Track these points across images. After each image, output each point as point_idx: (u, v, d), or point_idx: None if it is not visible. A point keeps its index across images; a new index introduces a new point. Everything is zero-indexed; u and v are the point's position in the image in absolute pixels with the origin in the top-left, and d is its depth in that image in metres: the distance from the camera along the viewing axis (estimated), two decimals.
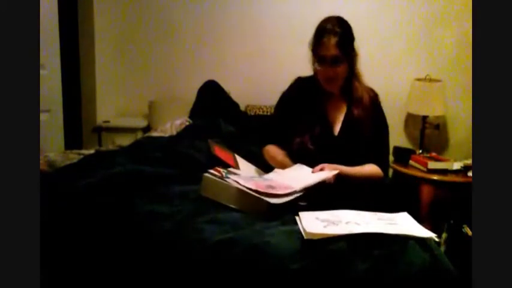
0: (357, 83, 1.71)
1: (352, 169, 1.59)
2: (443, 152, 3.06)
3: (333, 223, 1.23)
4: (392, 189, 2.04)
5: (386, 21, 3.03)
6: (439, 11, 2.96)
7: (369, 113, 1.69)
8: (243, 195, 1.39)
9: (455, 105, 2.98)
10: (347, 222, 1.25)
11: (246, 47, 3.24)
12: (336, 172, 1.51)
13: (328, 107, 1.73)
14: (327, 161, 1.58)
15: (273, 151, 1.75)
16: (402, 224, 1.28)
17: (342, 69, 1.63)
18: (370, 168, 1.65)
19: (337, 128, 1.71)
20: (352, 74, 1.70)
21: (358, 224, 1.23)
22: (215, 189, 1.43)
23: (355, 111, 1.68)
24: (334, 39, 1.58)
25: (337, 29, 1.60)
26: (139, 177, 1.61)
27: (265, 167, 1.74)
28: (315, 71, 1.68)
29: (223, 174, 1.44)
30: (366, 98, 1.70)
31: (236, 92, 3.03)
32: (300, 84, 1.77)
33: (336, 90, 1.71)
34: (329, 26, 1.61)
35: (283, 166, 1.66)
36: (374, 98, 1.75)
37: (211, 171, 1.47)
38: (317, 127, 1.67)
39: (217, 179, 1.43)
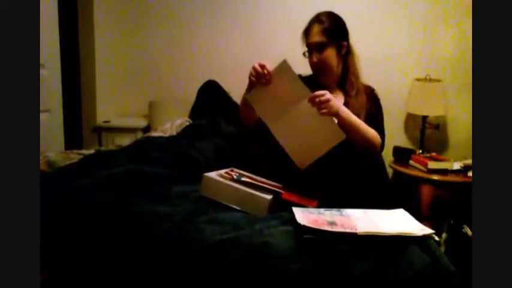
0: (353, 78, 1.74)
1: (354, 116, 1.57)
2: (443, 152, 3.05)
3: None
4: (392, 189, 2.03)
5: (387, 21, 3.03)
6: (439, 11, 2.95)
7: (365, 105, 1.70)
8: (243, 195, 1.39)
9: (455, 105, 2.98)
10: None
11: (246, 47, 3.24)
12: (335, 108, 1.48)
13: None
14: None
15: None
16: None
17: (328, 55, 1.69)
18: (372, 130, 1.62)
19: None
20: (348, 70, 1.74)
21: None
22: (215, 189, 1.43)
23: (351, 106, 1.67)
24: (318, 26, 1.68)
25: (322, 18, 1.70)
26: (139, 177, 1.61)
27: (265, 168, 1.73)
28: (309, 64, 1.74)
29: (235, 177, 1.45)
30: (361, 91, 1.73)
31: (236, 92, 3.03)
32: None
33: (329, 80, 1.73)
34: (315, 17, 1.73)
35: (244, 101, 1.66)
36: (371, 92, 1.79)
37: (222, 173, 1.47)
38: None
39: (219, 179, 1.44)
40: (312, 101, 1.47)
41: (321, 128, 1.50)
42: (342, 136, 1.48)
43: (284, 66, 1.48)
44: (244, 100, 1.69)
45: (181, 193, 1.50)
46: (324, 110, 1.47)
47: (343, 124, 1.52)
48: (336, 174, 1.59)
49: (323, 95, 1.47)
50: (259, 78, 1.53)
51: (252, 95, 1.56)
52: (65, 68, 2.87)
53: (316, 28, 1.69)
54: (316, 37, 1.68)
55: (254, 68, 1.54)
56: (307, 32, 1.72)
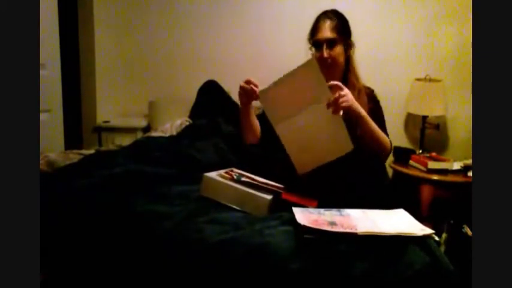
0: (353, 79, 1.74)
1: (366, 115, 1.55)
2: (443, 152, 3.06)
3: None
4: (392, 189, 2.03)
5: (386, 21, 3.03)
6: (439, 11, 2.96)
7: (367, 106, 1.68)
8: (243, 195, 1.39)
9: (455, 105, 2.98)
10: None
11: (246, 47, 3.25)
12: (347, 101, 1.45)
13: None
14: None
15: None
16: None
17: (337, 52, 1.69)
18: (381, 132, 1.62)
19: None
20: (349, 70, 1.74)
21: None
22: (215, 189, 1.43)
23: None
24: (329, 22, 1.70)
25: (331, 15, 1.72)
26: (140, 177, 1.61)
27: (265, 168, 1.73)
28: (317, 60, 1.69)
29: (235, 177, 1.45)
30: (362, 92, 1.72)
31: (236, 92, 3.01)
32: None
33: (333, 78, 1.68)
34: (324, 14, 1.74)
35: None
36: (371, 93, 1.78)
37: (222, 173, 1.47)
38: None
39: (219, 179, 1.44)
40: (334, 101, 1.42)
41: (331, 135, 1.46)
42: (350, 147, 1.45)
43: (311, 64, 1.44)
44: (243, 118, 1.68)
45: (182, 193, 1.50)
46: (344, 104, 1.42)
47: (355, 117, 1.49)
48: (336, 175, 1.59)
49: (342, 89, 1.46)
50: (249, 96, 1.53)
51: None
52: (65, 68, 2.87)
53: (327, 24, 1.70)
54: (328, 33, 1.68)
55: (241, 87, 1.53)
56: (316, 28, 1.72)
